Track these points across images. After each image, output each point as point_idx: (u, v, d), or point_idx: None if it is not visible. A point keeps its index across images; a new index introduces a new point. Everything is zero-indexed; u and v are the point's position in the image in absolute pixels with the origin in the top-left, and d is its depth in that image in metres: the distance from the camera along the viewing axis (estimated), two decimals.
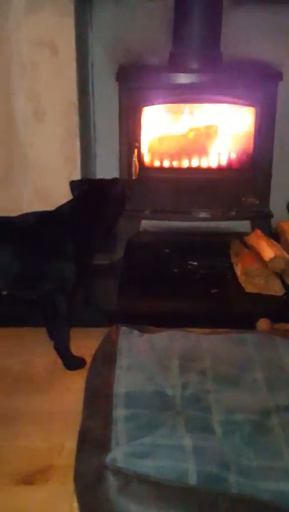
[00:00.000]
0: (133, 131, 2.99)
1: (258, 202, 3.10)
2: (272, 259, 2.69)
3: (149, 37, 3.00)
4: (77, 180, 2.55)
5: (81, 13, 2.81)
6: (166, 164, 3.14)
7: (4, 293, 2.33)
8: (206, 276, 2.86)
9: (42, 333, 2.37)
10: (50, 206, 2.33)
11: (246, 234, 3.00)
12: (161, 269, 2.92)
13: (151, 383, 1.61)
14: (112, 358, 1.76)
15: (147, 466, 1.32)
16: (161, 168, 3.14)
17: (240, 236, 3.01)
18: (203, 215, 3.08)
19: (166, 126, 3.17)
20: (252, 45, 3.01)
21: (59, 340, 2.30)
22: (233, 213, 3.07)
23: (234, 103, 3.08)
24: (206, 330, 1.99)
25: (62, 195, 2.39)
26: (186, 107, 3.14)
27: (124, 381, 1.63)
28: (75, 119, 2.81)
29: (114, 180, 2.47)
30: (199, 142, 3.18)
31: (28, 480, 1.78)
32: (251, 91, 2.99)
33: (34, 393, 2.17)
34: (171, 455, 1.35)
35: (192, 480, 1.30)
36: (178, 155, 3.13)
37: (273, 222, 3.14)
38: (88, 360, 2.06)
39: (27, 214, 2.30)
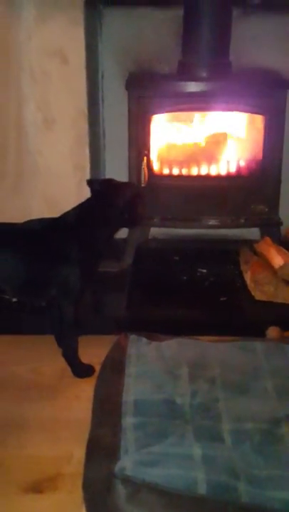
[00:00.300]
0: (142, 139, 3.00)
1: (267, 209, 3.09)
2: (281, 267, 2.68)
3: (159, 46, 3.01)
4: (93, 180, 2.57)
5: (91, 22, 2.82)
6: (176, 172, 3.14)
7: (14, 300, 2.34)
8: (215, 283, 2.86)
9: (51, 340, 2.37)
10: (59, 214, 2.34)
11: (256, 241, 3.00)
12: (170, 277, 2.92)
13: (160, 391, 1.61)
14: (121, 365, 1.75)
15: (156, 475, 1.31)
16: (170, 176, 3.14)
17: (250, 243, 3.01)
18: (212, 222, 3.08)
19: (175, 134, 3.18)
20: (261, 53, 3.02)
21: (67, 347, 2.31)
22: (243, 221, 3.07)
23: (243, 111, 3.09)
24: (215, 338, 1.99)
25: (71, 203, 2.40)
26: (195, 115, 3.15)
27: (133, 389, 1.63)
28: (85, 127, 2.82)
29: (126, 185, 2.48)
30: (208, 150, 3.18)
31: (37, 488, 1.77)
32: (260, 99, 2.99)
33: (43, 401, 2.17)
34: (181, 464, 1.34)
35: (201, 489, 1.29)
36: (187, 162, 3.13)
37: (283, 229, 3.13)
38: (97, 367, 2.06)
39: (32, 220, 2.31)
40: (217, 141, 3.19)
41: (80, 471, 1.44)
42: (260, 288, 2.69)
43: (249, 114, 3.10)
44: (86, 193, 2.80)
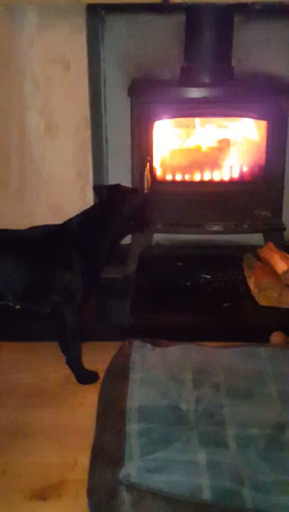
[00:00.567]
0: (145, 145, 3.00)
1: (270, 215, 3.09)
2: (285, 272, 2.68)
3: (161, 52, 3.02)
4: (100, 186, 2.58)
5: (93, 29, 2.83)
6: (179, 178, 3.14)
7: (18, 307, 2.34)
8: (219, 289, 2.85)
9: (54, 347, 2.37)
10: (62, 220, 2.34)
11: (259, 247, 2.99)
12: (173, 283, 2.91)
13: (164, 397, 1.60)
14: (125, 372, 1.75)
15: (161, 481, 1.31)
16: (173, 182, 3.14)
17: (253, 249, 3.01)
18: (215, 228, 3.07)
19: (178, 140, 3.19)
20: (263, 59, 3.03)
21: (70, 354, 2.30)
22: (246, 226, 3.07)
23: (246, 117, 3.09)
24: (219, 343, 1.99)
25: (74, 209, 2.40)
26: (198, 121, 3.15)
27: (138, 395, 1.63)
28: (88, 133, 2.83)
29: (132, 191, 2.48)
30: (211, 155, 3.18)
31: (41, 495, 1.77)
32: (262, 105, 3.00)
33: (47, 408, 2.16)
34: (185, 470, 1.34)
35: (206, 495, 1.28)
36: (190, 168, 3.13)
37: (286, 235, 3.13)
38: (101, 374, 2.06)
39: (35, 227, 2.32)
40: (220, 146, 3.19)
41: (84, 477, 1.43)
42: (264, 293, 2.69)
43: (252, 119, 3.11)
44: (89, 199, 2.82)
